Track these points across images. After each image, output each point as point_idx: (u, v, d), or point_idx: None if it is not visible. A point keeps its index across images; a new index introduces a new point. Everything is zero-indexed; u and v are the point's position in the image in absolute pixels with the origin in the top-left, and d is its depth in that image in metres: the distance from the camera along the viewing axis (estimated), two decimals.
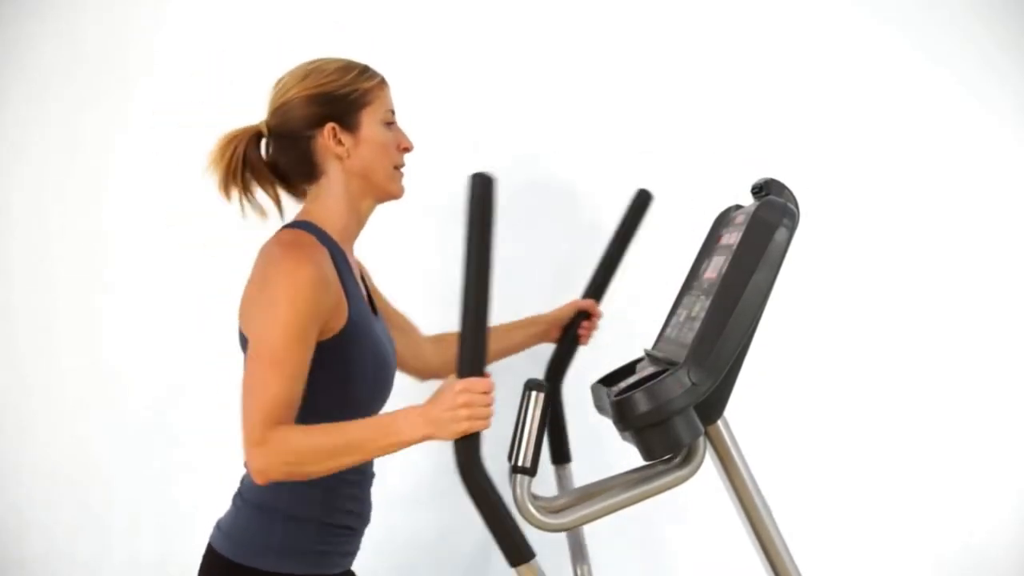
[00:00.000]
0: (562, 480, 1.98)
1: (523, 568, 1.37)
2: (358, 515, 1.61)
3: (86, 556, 2.33)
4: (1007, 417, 2.25)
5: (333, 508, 1.56)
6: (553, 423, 1.97)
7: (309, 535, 1.54)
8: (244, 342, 1.52)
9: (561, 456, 1.98)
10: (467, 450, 1.35)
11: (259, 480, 1.39)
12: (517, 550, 1.36)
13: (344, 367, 1.51)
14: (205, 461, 2.23)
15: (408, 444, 1.38)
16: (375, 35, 2.25)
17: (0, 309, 2.36)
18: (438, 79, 2.28)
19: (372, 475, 1.66)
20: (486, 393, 1.35)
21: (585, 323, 1.96)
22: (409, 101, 1.71)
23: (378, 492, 1.67)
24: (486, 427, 1.36)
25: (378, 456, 1.42)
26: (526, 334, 1.96)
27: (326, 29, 2.27)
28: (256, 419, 1.38)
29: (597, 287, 1.96)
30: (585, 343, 1.97)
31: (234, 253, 1.72)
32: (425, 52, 2.28)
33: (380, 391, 1.60)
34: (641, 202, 1.93)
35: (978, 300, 2.25)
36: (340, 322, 1.49)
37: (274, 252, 1.48)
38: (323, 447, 1.38)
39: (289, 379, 1.40)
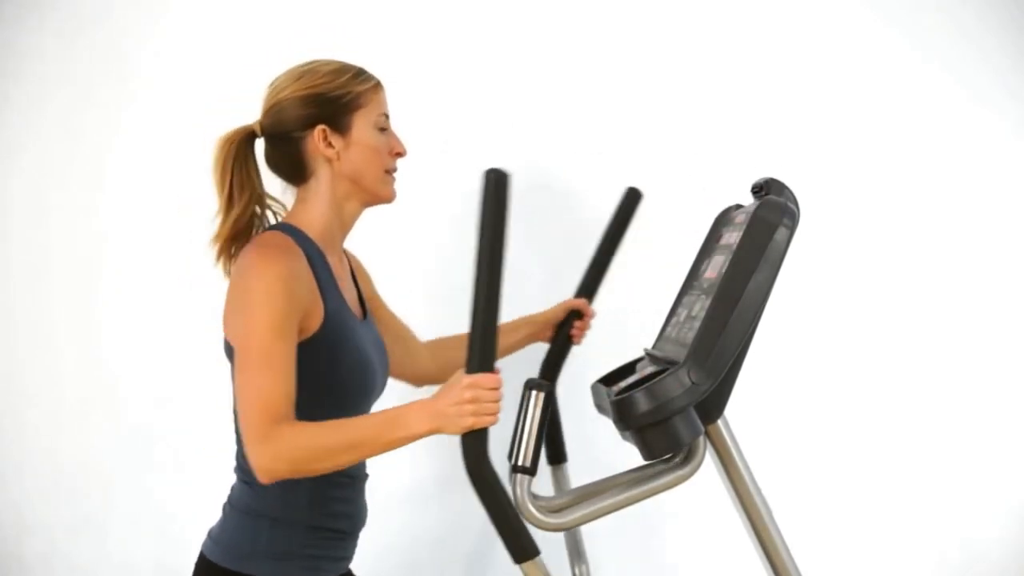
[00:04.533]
0: (558, 480, 1.97)
1: (527, 565, 1.36)
2: (349, 517, 1.59)
3: (85, 557, 2.33)
4: (1008, 416, 2.25)
5: (322, 511, 1.54)
6: (549, 423, 1.96)
7: (297, 539, 1.52)
8: (228, 350, 1.51)
9: (557, 456, 1.98)
10: (474, 446, 1.34)
11: (264, 479, 1.37)
12: (522, 547, 1.36)
13: (320, 370, 1.49)
14: (204, 464, 2.22)
15: (415, 438, 1.37)
16: (373, 39, 2.25)
17: (0, 309, 2.36)
18: (437, 81, 2.28)
19: (365, 476, 1.65)
20: (494, 390, 1.34)
21: (578, 323, 1.95)
22: (407, 104, 1.72)
23: (379, 492, 1.67)
24: (493, 423, 1.35)
25: (386, 451, 1.39)
26: (519, 335, 1.95)
27: (325, 31, 2.26)
28: (255, 419, 1.37)
29: (589, 286, 1.96)
30: (578, 342, 1.97)
31: None
32: (424, 55, 2.28)
33: (361, 396, 1.58)
34: (631, 200, 1.93)
35: (978, 300, 2.25)
36: (315, 324, 1.48)
37: (248, 256, 1.48)
38: (329, 444, 1.37)
39: (280, 374, 1.39)
